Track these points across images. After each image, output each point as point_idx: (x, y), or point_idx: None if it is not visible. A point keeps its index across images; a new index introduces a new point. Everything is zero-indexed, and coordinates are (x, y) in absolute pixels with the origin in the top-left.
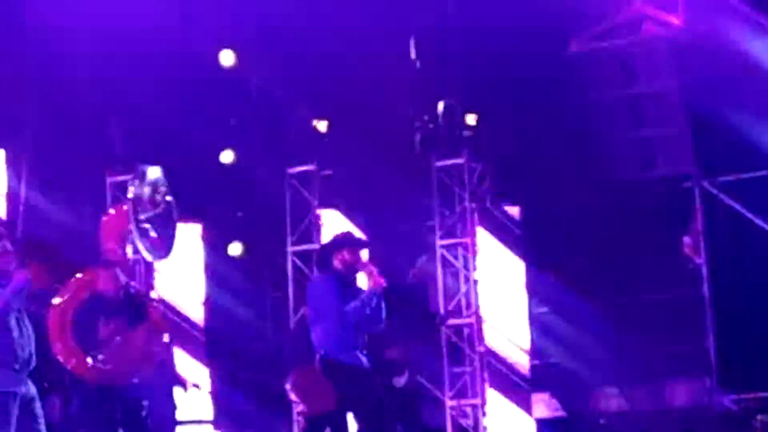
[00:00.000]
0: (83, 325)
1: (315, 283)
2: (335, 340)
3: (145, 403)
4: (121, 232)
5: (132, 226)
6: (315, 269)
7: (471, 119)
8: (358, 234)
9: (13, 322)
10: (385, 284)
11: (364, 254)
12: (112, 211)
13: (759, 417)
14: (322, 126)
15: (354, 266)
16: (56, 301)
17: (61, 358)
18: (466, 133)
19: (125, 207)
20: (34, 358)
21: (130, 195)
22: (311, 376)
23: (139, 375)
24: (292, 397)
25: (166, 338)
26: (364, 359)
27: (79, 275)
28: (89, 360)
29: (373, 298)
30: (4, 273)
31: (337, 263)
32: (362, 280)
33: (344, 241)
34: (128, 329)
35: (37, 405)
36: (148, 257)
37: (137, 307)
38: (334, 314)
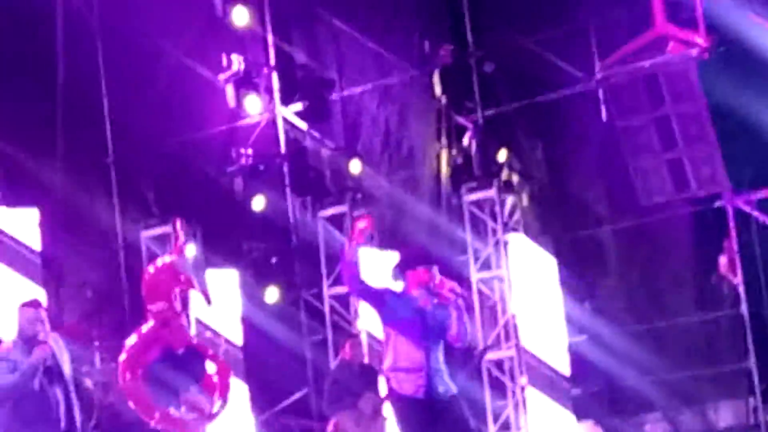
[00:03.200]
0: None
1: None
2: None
3: None
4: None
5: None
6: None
7: (502, 155)
8: None
9: (37, 387)
10: None
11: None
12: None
13: None
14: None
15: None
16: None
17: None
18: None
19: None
20: (62, 420)
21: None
22: (353, 420)
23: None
24: None
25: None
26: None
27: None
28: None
29: None
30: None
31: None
32: None
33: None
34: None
35: None
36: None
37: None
38: None
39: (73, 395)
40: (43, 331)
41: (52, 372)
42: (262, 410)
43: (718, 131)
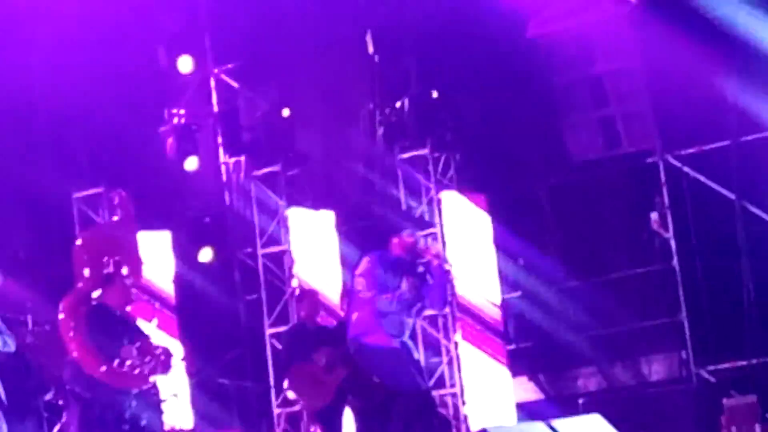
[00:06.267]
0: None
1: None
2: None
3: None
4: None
5: None
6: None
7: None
8: None
9: None
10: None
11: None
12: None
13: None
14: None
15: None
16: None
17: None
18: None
19: None
20: None
21: None
22: (307, 374)
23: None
24: (290, 395)
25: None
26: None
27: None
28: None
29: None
30: None
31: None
32: None
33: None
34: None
35: None
36: None
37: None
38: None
39: None
40: None
41: None
42: (197, 371)
43: (649, 89)
